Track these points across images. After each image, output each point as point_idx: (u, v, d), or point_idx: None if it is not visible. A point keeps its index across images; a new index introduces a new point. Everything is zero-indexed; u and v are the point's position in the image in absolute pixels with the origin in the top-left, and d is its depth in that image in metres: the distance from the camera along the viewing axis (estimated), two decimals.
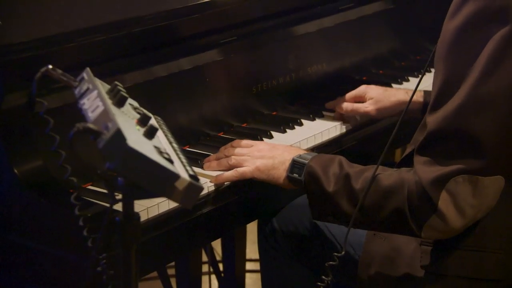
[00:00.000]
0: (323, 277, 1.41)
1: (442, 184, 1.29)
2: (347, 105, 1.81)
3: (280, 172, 1.49)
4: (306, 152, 1.51)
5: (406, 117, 1.76)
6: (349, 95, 1.84)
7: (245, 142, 1.57)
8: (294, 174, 1.46)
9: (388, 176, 1.37)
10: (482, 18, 1.26)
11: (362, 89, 1.84)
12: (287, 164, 1.48)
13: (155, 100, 1.57)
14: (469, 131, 1.28)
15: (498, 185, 1.31)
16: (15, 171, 1.32)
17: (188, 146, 1.67)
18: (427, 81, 1.64)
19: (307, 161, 1.45)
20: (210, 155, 1.60)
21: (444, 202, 1.29)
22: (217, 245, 2.39)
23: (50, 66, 1.12)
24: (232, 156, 1.53)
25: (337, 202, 1.40)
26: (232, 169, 1.52)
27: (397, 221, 1.35)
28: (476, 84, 1.26)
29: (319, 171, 1.42)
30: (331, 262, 1.41)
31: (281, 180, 1.49)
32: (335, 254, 1.41)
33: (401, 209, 1.33)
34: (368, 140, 1.81)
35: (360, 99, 1.83)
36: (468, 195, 1.29)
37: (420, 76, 1.47)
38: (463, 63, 1.28)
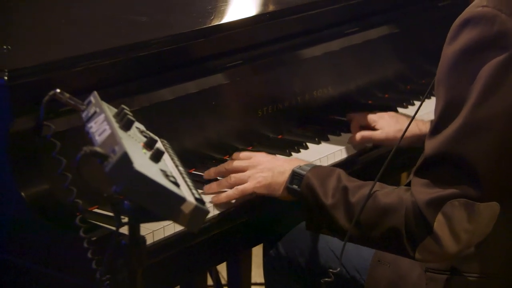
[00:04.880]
0: None
1: (438, 206, 1.29)
2: (356, 137, 1.80)
3: (279, 184, 1.49)
4: (306, 163, 1.52)
5: (415, 146, 1.77)
6: (359, 121, 1.85)
7: (244, 154, 1.57)
8: (294, 185, 1.46)
9: (387, 194, 1.38)
10: (480, 43, 1.27)
11: (374, 118, 1.83)
12: (286, 175, 1.48)
13: (161, 124, 1.57)
14: (464, 156, 1.28)
15: (493, 211, 1.30)
16: (22, 194, 1.32)
17: (194, 169, 1.67)
18: (431, 107, 1.65)
19: (306, 172, 1.45)
20: (216, 179, 1.59)
21: (439, 225, 1.29)
22: (222, 268, 2.38)
23: (58, 90, 1.13)
24: (232, 175, 1.53)
25: (333, 215, 1.40)
26: (232, 187, 1.52)
27: (392, 239, 1.35)
28: (472, 109, 1.27)
29: (317, 183, 1.43)
30: (326, 279, 1.40)
31: (279, 192, 1.49)
32: (330, 270, 1.41)
33: (397, 229, 1.34)
34: (373, 164, 1.81)
35: (370, 127, 1.84)
36: (463, 220, 1.29)
37: (420, 101, 1.48)
38: (461, 88, 1.29)
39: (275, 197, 1.50)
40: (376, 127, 1.82)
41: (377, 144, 1.82)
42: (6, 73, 1.31)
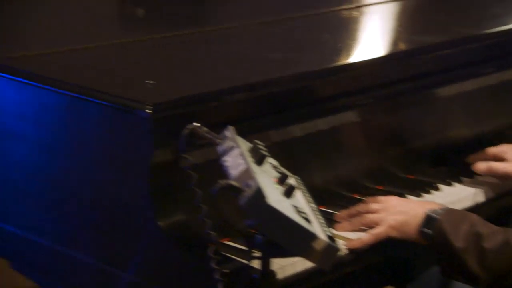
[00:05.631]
0: None
1: None
2: (481, 165, 1.74)
3: (413, 227, 1.45)
4: (440, 206, 1.48)
5: None
6: (487, 152, 1.78)
7: (377, 197, 1.56)
8: (426, 229, 1.43)
9: None
10: None
11: (503, 148, 1.76)
12: (420, 218, 1.45)
13: (291, 159, 1.58)
14: None
15: None
16: (160, 224, 1.35)
17: (323, 206, 1.66)
18: None
19: (439, 216, 1.42)
20: None
21: None
22: None
23: (197, 124, 1.17)
24: (365, 215, 1.51)
25: (465, 260, 1.35)
26: (365, 228, 1.50)
27: None
28: None
29: (449, 227, 1.39)
30: None
31: (413, 236, 1.45)
32: None
33: None
34: (510, 210, 1.73)
35: (500, 159, 1.76)
36: None
37: None
38: None
39: (409, 240, 1.47)
40: (507, 157, 1.74)
41: (507, 178, 1.74)
42: (151, 107, 1.36)
